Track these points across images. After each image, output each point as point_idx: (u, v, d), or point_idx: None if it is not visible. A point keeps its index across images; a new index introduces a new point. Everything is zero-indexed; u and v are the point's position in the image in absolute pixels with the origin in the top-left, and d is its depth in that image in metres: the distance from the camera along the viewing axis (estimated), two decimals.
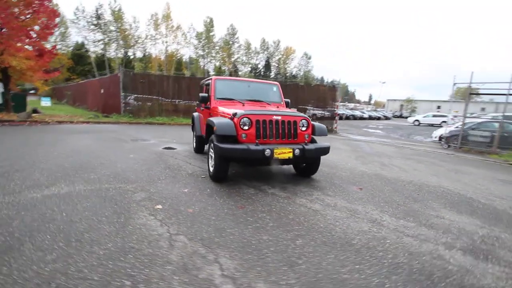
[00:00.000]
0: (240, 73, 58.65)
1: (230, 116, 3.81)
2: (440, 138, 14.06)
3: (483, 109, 40.70)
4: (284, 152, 3.65)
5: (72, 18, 38.90)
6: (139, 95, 15.08)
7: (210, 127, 4.17)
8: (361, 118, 36.13)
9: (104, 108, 15.90)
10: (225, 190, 3.63)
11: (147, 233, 2.35)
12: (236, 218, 2.75)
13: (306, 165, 4.43)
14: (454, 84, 17.19)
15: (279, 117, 3.88)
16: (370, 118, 38.37)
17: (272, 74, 62.91)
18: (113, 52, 44.74)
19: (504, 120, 10.54)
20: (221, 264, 1.95)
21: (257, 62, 62.97)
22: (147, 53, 48.98)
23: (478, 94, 12.20)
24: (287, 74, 63.72)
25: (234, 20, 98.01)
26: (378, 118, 39.74)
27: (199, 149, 6.09)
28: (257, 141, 3.67)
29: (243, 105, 4.58)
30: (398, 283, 1.84)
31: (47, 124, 10.72)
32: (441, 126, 26.91)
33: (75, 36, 42.53)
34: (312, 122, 4.12)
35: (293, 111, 4.30)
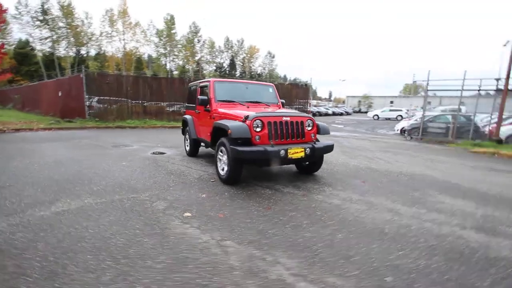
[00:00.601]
0: (204, 72, 57.63)
1: (242, 119, 3.83)
2: (402, 130, 15.50)
3: (429, 102, 45.43)
4: (297, 151, 3.79)
5: (13, 13, 34.57)
6: (105, 97, 14.09)
7: (219, 130, 4.14)
8: (326, 114, 37.90)
9: (64, 112, 14.51)
10: (242, 192, 3.66)
11: (193, 242, 2.30)
12: (270, 219, 2.81)
13: (310, 163, 4.62)
14: (414, 81, 18.63)
15: (288, 118, 4.00)
16: (334, 114, 40.44)
17: (238, 73, 62.88)
18: (63, 50, 40.81)
19: (458, 113, 11.97)
20: (283, 264, 2.01)
21: (222, 61, 62.45)
22: (102, 51, 45.53)
23: (436, 90, 13.62)
24: (252, 73, 64.17)
25: (196, 18, 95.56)
26: (341, 114, 42.04)
27: (193, 152, 5.96)
28: (272, 143, 3.75)
29: (248, 107, 4.60)
30: (440, 262, 2.09)
31: (3, 132, 9.50)
32: (397, 120, 29.56)
33: (17, 33, 38.03)
34: (316, 122, 4.31)
35: (299, 112, 4.45)
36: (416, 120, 15.37)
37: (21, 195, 3.30)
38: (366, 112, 47.68)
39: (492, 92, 11.72)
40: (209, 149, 6.14)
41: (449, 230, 2.65)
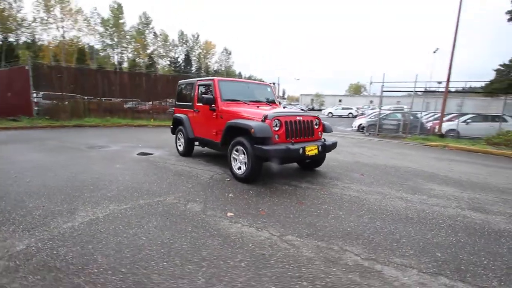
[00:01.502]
0: (158, 66, 54.61)
1: (261, 118, 3.92)
2: (360, 127, 17.07)
3: (371, 101, 50.37)
4: (312, 149, 4.05)
5: None
6: (56, 93, 12.52)
7: (235, 129, 4.16)
8: None
9: (2, 110, 12.48)
10: (265, 190, 3.77)
11: (257, 239, 2.37)
12: (309, 213, 3.01)
13: (313, 160, 4.91)
14: (371, 83, 20.59)
15: (300, 117, 4.23)
16: None
17: (193, 69, 61.05)
18: None
19: (410, 111, 13.69)
20: (351, 251, 2.23)
21: (176, 55, 59.89)
22: (37, 40, 39.81)
23: (391, 91, 15.31)
24: (209, 69, 62.94)
25: (147, 9, 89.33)
26: None
27: (188, 152, 5.79)
28: (292, 141, 3.93)
29: (258, 106, 4.69)
30: (465, 237, 2.54)
31: None
32: (349, 117, 32.32)
33: None
34: (322, 121, 4.63)
35: (308, 112, 4.70)
36: (371, 117, 17.11)
37: (25, 206, 2.91)
38: (319, 110, 50.73)
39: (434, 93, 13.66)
40: (205, 148, 6.07)
41: (454, 212, 3.18)
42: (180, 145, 6.04)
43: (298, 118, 4.18)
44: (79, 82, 13.26)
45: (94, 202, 3.10)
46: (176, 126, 6.11)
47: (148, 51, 53.12)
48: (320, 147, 4.18)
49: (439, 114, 15.58)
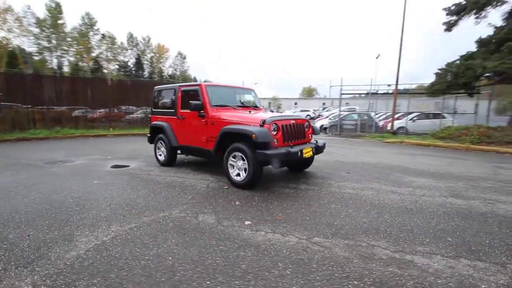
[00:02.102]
0: (105, 71, 50.54)
1: (259, 123, 3.90)
2: (321, 128, 18.05)
3: (324, 103, 53.70)
4: (308, 151, 4.16)
5: None
6: None
7: (232, 135, 4.06)
8: None
9: None
10: (268, 194, 3.75)
11: (287, 245, 2.35)
12: (322, 213, 3.08)
13: (304, 162, 5.04)
14: (331, 86, 21.79)
15: (293, 121, 4.33)
16: None
17: (146, 73, 57.91)
18: None
19: (365, 112, 14.91)
20: (378, 246, 2.35)
21: (126, 59, 56.16)
22: None
23: (348, 94, 16.51)
24: (163, 74, 60.34)
25: (90, 9, 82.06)
26: None
27: (170, 161, 5.47)
28: (291, 144, 3.99)
29: (250, 111, 4.65)
30: (461, 221, 2.87)
31: None
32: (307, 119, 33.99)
33: None
34: (311, 124, 4.79)
35: (298, 115, 4.81)
36: (331, 119, 18.24)
37: (4, 238, 2.44)
38: None
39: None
40: (189, 156, 5.81)
41: (441, 200, 3.57)
42: (160, 155, 5.68)
43: (292, 121, 4.27)
44: (17, 89, 11.58)
45: (90, 224, 2.74)
46: (155, 134, 5.73)
47: (93, 55, 48.81)
48: (314, 149, 4.32)
49: (387, 114, 17.40)
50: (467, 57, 10.77)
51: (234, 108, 4.85)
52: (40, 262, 2.07)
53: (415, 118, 14.57)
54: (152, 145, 5.87)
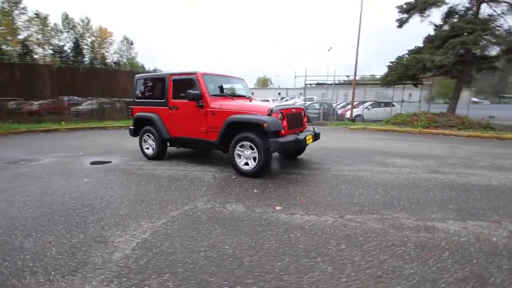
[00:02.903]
0: (36, 56, 43.98)
1: (267, 112, 3.96)
2: None
3: (279, 93, 55.16)
4: (309, 138, 4.39)
5: None
6: None
7: (239, 125, 4.04)
8: None
9: None
10: (279, 181, 3.88)
11: (327, 224, 2.54)
12: (337, 194, 3.34)
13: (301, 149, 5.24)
14: (295, 76, 22.53)
15: (294, 110, 4.49)
16: None
17: (86, 60, 51.94)
18: None
19: (323, 101, 15.86)
20: (402, 217, 2.68)
21: (62, 43, 49.46)
22: None
23: (311, 84, 17.26)
24: (107, 61, 54.83)
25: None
26: None
27: (160, 154, 5.20)
28: (297, 132, 4.15)
29: (250, 100, 4.64)
30: (451, 192, 3.40)
31: None
32: None
33: None
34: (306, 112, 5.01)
35: (296, 104, 4.95)
36: None
37: (20, 249, 2.15)
38: None
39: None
40: (180, 148, 5.60)
41: (426, 176, 4.14)
42: (147, 148, 5.35)
43: (293, 110, 4.43)
44: None
45: (115, 224, 2.56)
46: (140, 126, 5.36)
47: (20, 37, 41.84)
48: (313, 136, 4.57)
49: (344, 103, 18.81)
50: (415, 52, 12.18)
51: (231, 98, 4.81)
52: (87, 268, 1.90)
53: (369, 107, 16.03)
54: (132, 138, 5.50)
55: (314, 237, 2.31)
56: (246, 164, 4.08)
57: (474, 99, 31.46)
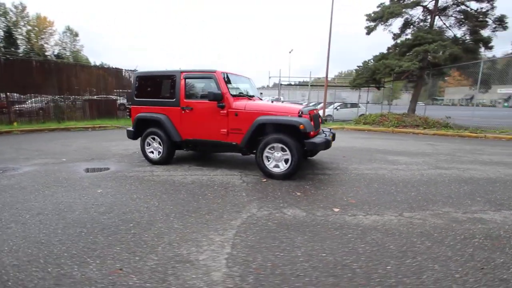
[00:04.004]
0: None
1: (297, 113, 3.91)
2: None
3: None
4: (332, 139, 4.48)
5: None
6: None
7: (270, 126, 3.92)
8: None
9: None
10: (312, 182, 3.88)
11: (393, 223, 2.62)
12: (379, 193, 3.46)
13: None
14: (270, 77, 22.42)
15: (315, 111, 4.54)
16: None
17: (20, 51, 45.24)
18: None
19: (295, 102, 16.32)
20: (449, 211, 2.90)
21: None
22: None
23: (288, 84, 17.59)
24: (47, 53, 48.51)
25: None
26: None
27: (168, 158, 4.79)
28: (326, 133, 4.18)
29: (272, 101, 4.52)
30: (467, 186, 3.79)
31: None
32: None
33: None
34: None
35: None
36: None
37: (101, 274, 1.78)
38: None
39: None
40: (184, 151, 5.22)
41: (435, 172, 4.54)
42: (152, 152, 4.88)
43: (315, 112, 4.47)
44: None
45: (182, 239, 2.28)
46: (143, 128, 4.86)
47: None
48: (333, 137, 4.67)
49: (313, 103, 19.64)
50: (381, 58, 13.28)
51: (248, 98, 4.65)
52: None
53: (338, 107, 17.03)
54: (114, 141, 4.98)
55: (395, 237, 2.36)
56: (277, 166, 3.99)
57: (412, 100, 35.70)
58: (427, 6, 12.90)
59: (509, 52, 12.93)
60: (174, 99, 4.57)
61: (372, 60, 14.33)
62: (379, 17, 12.59)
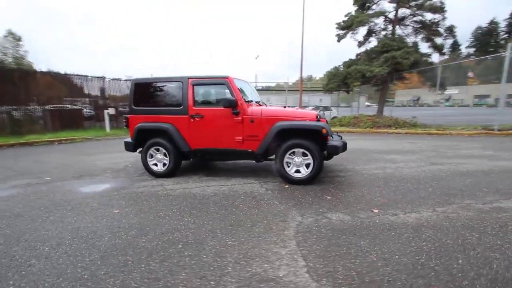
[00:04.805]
0: None
1: (316, 118, 3.94)
2: None
3: None
4: None
5: None
6: None
7: (291, 132, 3.88)
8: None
9: None
10: (333, 185, 3.92)
11: (435, 219, 2.74)
12: (401, 191, 3.61)
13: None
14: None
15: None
16: None
17: None
18: None
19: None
20: (472, 203, 3.13)
21: None
22: None
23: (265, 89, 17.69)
24: None
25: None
26: None
27: (174, 170, 4.48)
28: (341, 136, 4.26)
29: (284, 107, 4.48)
30: (468, 179, 4.14)
31: None
32: None
33: None
34: None
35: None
36: None
37: None
38: None
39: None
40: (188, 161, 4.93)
41: (433, 168, 4.89)
42: (156, 164, 4.52)
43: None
44: None
45: (240, 261, 2.12)
46: (145, 139, 4.49)
47: None
48: None
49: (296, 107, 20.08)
50: (351, 63, 14.13)
51: (257, 104, 4.58)
52: None
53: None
54: (95, 155, 4.58)
55: (445, 232, 2.46)
56: (297, 171, 3.96)
57: (367, 103, 38.46)
58: (389, 16, 14.12)
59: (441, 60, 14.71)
60: (182, 107, 4.30)
61: (342, 66, 15.19)
62: (349, 26, 13.43)
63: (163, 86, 4.48)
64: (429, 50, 13.98)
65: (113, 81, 12.87)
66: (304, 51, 14.16)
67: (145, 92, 4.55)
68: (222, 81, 4.16)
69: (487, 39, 49.57)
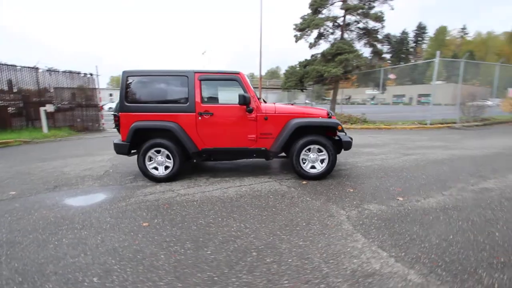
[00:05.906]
0: None
1: (327, 115, 4.09)
2: None
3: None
4: None
5: None
6: None
7: (307, 129, 3.93)
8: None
9: None
10: (345, 178, 4.15)
11: (456, 202, 3.17)
12: (407, 179, 4.04)
13: None
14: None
15: None
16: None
17: None
18: None
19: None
20: (485, 186, 3.72)
21: None
22: None
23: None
24: None
25: None
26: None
27: (177, 173, 4.09)
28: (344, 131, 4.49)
29: (290, 104, 4.46)
30: (456, 163, 4.87)
31: None
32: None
33: None
34: None
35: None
36: None
37: None
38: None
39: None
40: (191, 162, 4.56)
41: (408, 158, 5.56)
42: (156, 168, 4.05)
43: None
44: None
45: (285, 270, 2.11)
46: (142, 140, 3.97)
47: None
48: None
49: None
50: (306, 64, 14.96)
51: (264, 100, 4.51)
52: None
53: None
54: (55, 160, 4.04)
55: (467, 212, 2.87)
56: (313, 167, 4.06)
57: (307, 100, 41.56)
58: (337, 21, 15.39)
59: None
60: (188, 104, 3.94)
61: (298, 66, 15.95)
62: (305, 28, 14.16)
63: (163, 80, 4.02)
64: (370, 54, 15.79)
65: (50, 72, 10.85)
66: (251, 51, 14.38)
67: (140, 86, 4.02)
68: (234, 77, 3.96)
69: (400, 46, 58.63)
